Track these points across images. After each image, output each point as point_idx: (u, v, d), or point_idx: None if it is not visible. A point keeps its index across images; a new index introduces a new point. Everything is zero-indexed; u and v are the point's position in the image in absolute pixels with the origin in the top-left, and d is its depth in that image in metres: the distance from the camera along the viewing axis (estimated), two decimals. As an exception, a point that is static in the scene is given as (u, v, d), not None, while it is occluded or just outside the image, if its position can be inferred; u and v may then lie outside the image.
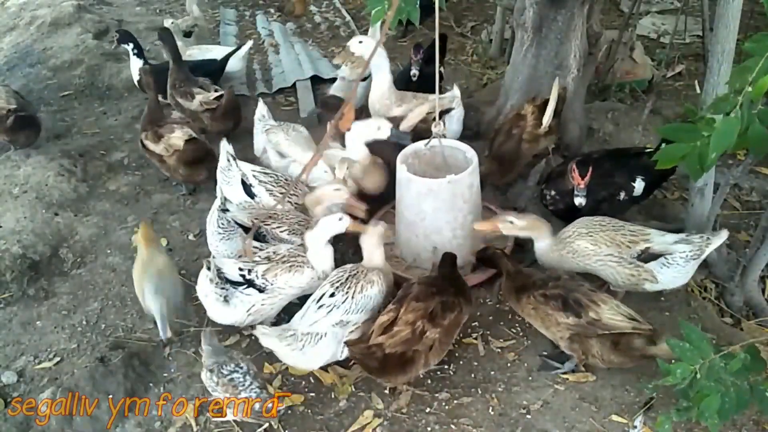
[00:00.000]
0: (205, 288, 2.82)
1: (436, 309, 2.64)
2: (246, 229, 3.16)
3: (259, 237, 3.17)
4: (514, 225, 3.00)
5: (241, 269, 2.86)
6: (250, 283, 2.85)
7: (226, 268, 2.86)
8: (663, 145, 3.34)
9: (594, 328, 2.59)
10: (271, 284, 2.87)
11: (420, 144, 3.39)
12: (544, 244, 3.03)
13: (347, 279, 2.81)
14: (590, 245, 2.89)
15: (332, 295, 2.74)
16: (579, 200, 3.09)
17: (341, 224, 2.96)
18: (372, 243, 2.94)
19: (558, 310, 2.65)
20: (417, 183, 3.15)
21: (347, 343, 2.62)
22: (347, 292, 2.75)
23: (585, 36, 4.02)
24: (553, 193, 3.46)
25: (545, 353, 2.91)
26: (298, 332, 2.66)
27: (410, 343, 2.58)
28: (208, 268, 2.79)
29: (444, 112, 3.88)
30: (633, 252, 2.86)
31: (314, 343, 2.67)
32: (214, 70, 5.04)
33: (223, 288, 2.81)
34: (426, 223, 3.20)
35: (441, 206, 3.16)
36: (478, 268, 3.25)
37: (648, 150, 3.49)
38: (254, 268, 2.87)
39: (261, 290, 2.86)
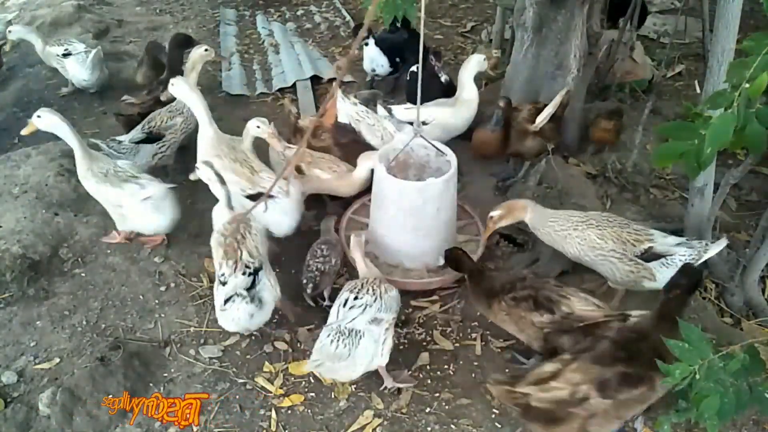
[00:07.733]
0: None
1: (613, 380, 2.24)
2: None
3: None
4: (495, 218, 3.07)
5: (244, 271, 2.79)
6: (256, 272, 2.82)
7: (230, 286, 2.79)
8: None
9: (569, 321, 2.56)
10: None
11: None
12: (531, 216, 3.05)
13: (364, 285, 2.78)
14: (597, 239, 2.89)
15: (356, 297, 2.70)
16: None
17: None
18: (359, 255, 3.01)
19: (530, 311, 2.62)
20: (432, 186, 3.15)
21: (491, 381, 2.40)
22: (374, 294, 2.71)
23: (585, 36, 4.02)
24: None
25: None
26: (339, 331, 2.59)
27: (565, 405, 2.24)
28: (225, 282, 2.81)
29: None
30: (637, 251, 2.86)
31: (356, 345, 2.58)
32: None
33: (247, 296, 2.77)
34: (440, 221, 3.25)
35: (443, 205, 3.20)
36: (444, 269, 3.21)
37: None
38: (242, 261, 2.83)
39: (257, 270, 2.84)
